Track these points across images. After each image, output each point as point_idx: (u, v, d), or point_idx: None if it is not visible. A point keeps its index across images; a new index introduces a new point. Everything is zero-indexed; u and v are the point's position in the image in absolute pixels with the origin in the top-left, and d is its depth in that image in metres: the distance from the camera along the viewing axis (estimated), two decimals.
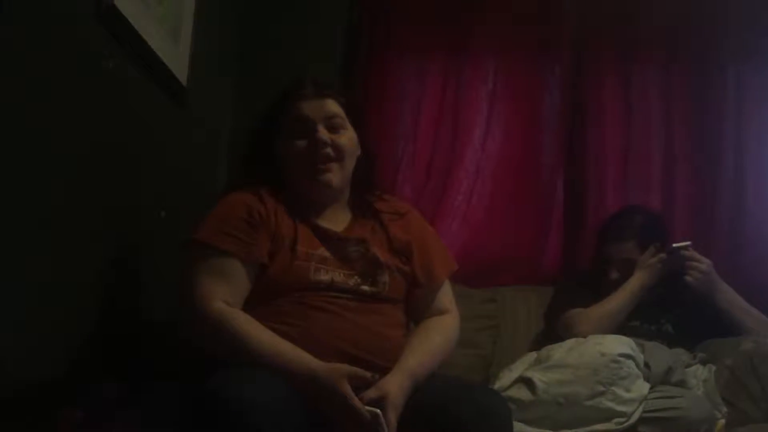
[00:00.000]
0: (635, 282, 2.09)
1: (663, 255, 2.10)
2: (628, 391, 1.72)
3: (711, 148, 2.50)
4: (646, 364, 1.79)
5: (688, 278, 2.07)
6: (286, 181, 1.60)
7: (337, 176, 1.57)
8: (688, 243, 2.09)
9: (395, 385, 1.41)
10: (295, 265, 1.49)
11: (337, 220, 1.62)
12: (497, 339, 2.27)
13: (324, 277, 1.50)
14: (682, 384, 1.83)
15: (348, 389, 1.33)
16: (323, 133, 1.56)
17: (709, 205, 2.47)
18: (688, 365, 1.92)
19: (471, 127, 2.54)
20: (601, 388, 1.72)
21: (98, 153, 1.55)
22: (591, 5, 2.56)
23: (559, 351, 1.87)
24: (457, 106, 2.55)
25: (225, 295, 1.45)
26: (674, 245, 2.09)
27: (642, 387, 1.74)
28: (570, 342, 1.89)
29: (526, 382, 1.81)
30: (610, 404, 1.71)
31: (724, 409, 1.82)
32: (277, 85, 2.46)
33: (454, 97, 2.55)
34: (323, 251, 1.53)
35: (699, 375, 1.90)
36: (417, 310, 1.64)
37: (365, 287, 1.53)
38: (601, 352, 1.77)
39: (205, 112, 2.25)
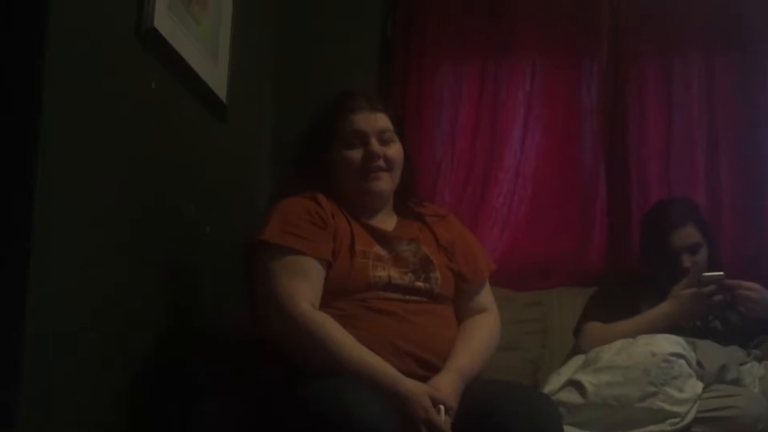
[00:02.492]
0: (661, 311, 1.98)
1: (696, 289, 1.94)
2: (681, 390, 1.69)
3: (755, 141, 2.44)
4: (699, 363, 1.76)
5: (743, 310, 1.98)
6: (336, 186, 1.66)
7: (387, 185, 1.66)
8: (721, 273, 1.95)
9: (448, 387, 1.45)
10: (356, 263, 1.55)
11: (385, 222, 1.68)
12: (545, 342, 2.26)
13: (381, 273, 1.55)
14: (737, 382, 1.79)
15: (430, 405, 1.38)
16: (376, 146, 1.63)
17: (754, 200, 2.41)
18: (743, 363, 1.88)
19: (509, 130, 2.52)
20: (653, 389, 1.69)
21: (144, 170, 1.59)
22: (629, 1, 2.53)
23: (608, 352, 1.85)
24: (494, 109, 2.54)
25: (308, 295, 1.49)
26: (705, 274, 1.96)
27: (695, 386, 1.71)
28: (619, 343, 1.87)
29: (576, 385, 1.79)
30: (663, 405, 1.68)
31: None
32: (315, 94, 2.51)
33: (492, 100, 2.54)
34: (378, 249, 1.60)
35: (755, 372, 1.86)
36: (461, 308, 1.68)
37: (419, 283, 1.58)
38: (651, 352, 1.74)
39: (245, 126, 2.29)
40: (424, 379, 1.46)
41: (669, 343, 1.76)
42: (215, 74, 1.93)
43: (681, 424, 1.66)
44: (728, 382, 1.78)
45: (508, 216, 2.49)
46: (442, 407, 1.39)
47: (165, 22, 1.58)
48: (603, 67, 2.54)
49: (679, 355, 1.73)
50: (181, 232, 1.79)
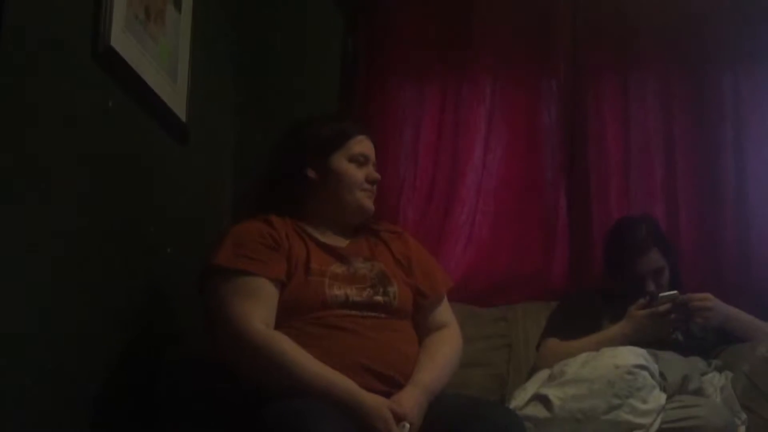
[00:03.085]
0: (617, 331, 2.00)
1: (651, 310, 1.97)
2: (645, 402, 1.70)
3: (711, 154, 2.49)
4: (662, 374, 1.77)
5: (700, 321, 2.01)
6: (315, 200, 1.69)
7: (372, 205, 1.74)
8: (675, 292, 1.99)
9: (411, 402, 1.45)
10: (311, 282, 1.55)
11: (339, 240, 1.70)
12: (510, 357, 2.26)
13: (338, 292, 1.56)
14: (699, 392, 1.81)
15: (391, 419, 1.39)
16: (374, 171, 1.74)
17: (712, 212, 2.46)
18: (704, 373, 1.90)
19: (471, 148, 2.54)
20: (618, 401, 1.70)
21: (101, 192, 1.56)
22: (585, 19, 2.58)
23: (573, 366, 1.85)
24: (456, 128, 2.56)
25: (262, 315, 1.48)
26: (661, 295, 1.99)
27: (659, 398, 1.72)
28: (584, 356, 1.87)
29: (542, 399, 1.79)
30: (628, 417, 1.68)
31: (744, 416, 1.80)
32: (277, 114, 2.52)
33: (453, 118, 2.56)
34: (336, 267, 1.61)
35: (716, 383, 1.88)
36: (421, 324, 1.70)
37: (378, 298, 1.59)
38: (615, 365, 1.75)
39: (207, 146, 2.27)
40: (385, 395, 1.45)
41: (632, 355, 1.78)
42: (174, 94, 1.91)
43: None
44: (690, 393, 1.79)
45: (471, 233, 2.50)
46: (406, 424, 1.38)
47: (122, 40, 1.56)
48: (562, 85, 2.58)
49: (643, 367, 1.74)
50: (140, 252, 1.76)
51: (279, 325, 1.51)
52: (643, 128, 2.53)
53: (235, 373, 1.48)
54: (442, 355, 1.63)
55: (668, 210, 2.47)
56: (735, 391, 1.84)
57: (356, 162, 1.71)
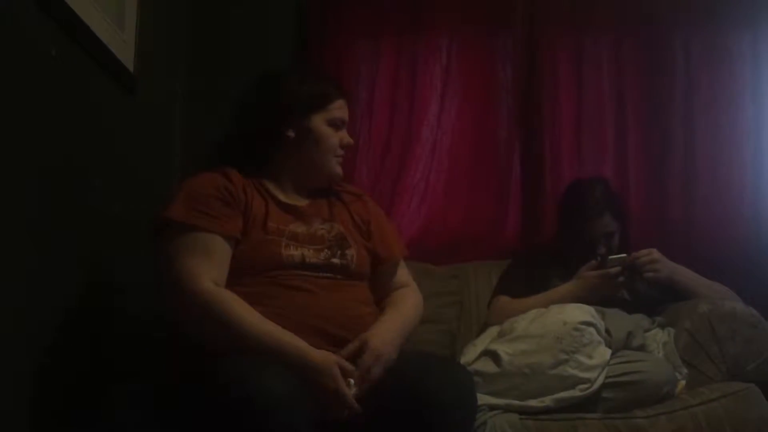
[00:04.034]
0: (567, 290, 2.04)
1: (601, 271, 2.01)
2: (590, 357, 1.74)
3: (661, 114, 2.53)
4: (607, 331, 1.82)
5: (650, 275, 2.05)
6: (282, 159, 1.65)
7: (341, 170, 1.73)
8: (624, 255, 2.03)
9: (377, 337, 1.47)
10: (267, 241, 1.53)
11: (299, 200, 1.68)
12: (461, 314, 2.29)
13: (294, 252, 1.53)
14: (642, 348, 1.86)
15: (339, 375, 1.38)
16: (348, 137, 1.72)
17: (660, 171, 2.50)
18: (648, 330, 1.96)
19: (426, 105, 2.53)
20: (565, 356, 1.74)
21: (44, 144, 1.50)
22: None
23: (522, 322, 1.89)
24: (411, 85, 2.54)
25: (211, 273, 1.45)
26: (611, 257, 2.04)
27: (604, 353, 1.77)
28: (532, 313, 1.91)
29: (491, 354, 1.83)
30: (574, 371, 1.73)
31: (685, 371, 1.86)
32: (228, 68, 2.47)
33: (408, 75, 2.54)
34: (295, 227, 1.58)
35: (659, 339, 1.94)
36: (380, 287, 1.70)
37: (335, 260, 1.58)
38: (563, 321, 1.79)
39: (156, 97, 2.21)
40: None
41: (580, 312, 1.82)
42: (122, 43, 1.85)
43: (590, 390, 1.72)
44: (634, 348, 1.84)
45: (426, 191, 2.50)
46: (351, 380, 1.39)
47: None
48: (518, 44, 2.57)
49: (589, 324, 1.79)
50: (87, 209, 1.71)
51: (231, 283, 1.48)
52: (596, 88, 2.55)
53: (183, 329, 1.46)
54: (408, 306, 1.65)
55: (618, 169, 2.51)
56: (677, 347, 1.90)
57: (334, 126, 1.69)
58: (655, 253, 2.05)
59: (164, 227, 1.51)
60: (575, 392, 1.72)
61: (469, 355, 1.90)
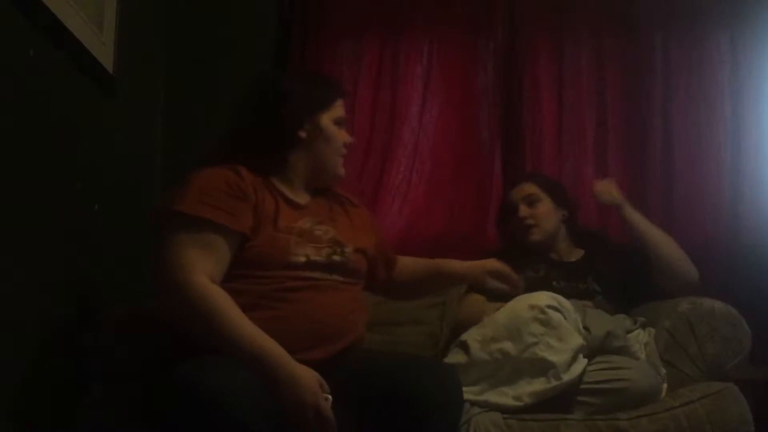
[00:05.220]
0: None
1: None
2: (560, 340, 1.73)
3: (641, 114, 2.55)
4: (586, 328, 1.82)
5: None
6: (292, 158, 1.65)
7: None
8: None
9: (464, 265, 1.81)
10: (278, 238, 1.51)
11: (302, 197, 1.67)
12: (445, 315, 2.29)
13: (300, 251, 1.53)
14: (623, 350, 1.86)
15: (320, 391, 1.36)
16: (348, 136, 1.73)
17: (640, 171, 2.53)
18: (630, 330, 1.96)
19: (408, 106, 2.54)
20: (533, 339, 1.73)
21: (22, 147, 1.48)
22: None
23: (489, 311, 1.89)
24: (393, 86, 2.55)
25: (208, 268, 1.43)
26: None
27: (575, 339, 1.74)
28: (500, 305, 1.90)
29: (461, 345, 1.83)
30: (544, 354, 1.71)
31: (664, 372, 1.87)
32: (210, 68, 2.46)
33: (390, 76, 2.55)
34: (302, 223, 1.58)
35: (641, 339, 1.95)
36: (382, 278, 1.81)
37: (336, 257, 1.57)
38: (529, 305, 1.78)
39: (136, 98, 2.19)
40: (320, 363, 1.44)
41: (546, 297, 1.81)
42: (101, 44, 1.83)
43: (564, 380, 1.69)
44: (614, 350, 1.84)
45: (407, 192, 2.51)
46: (329, 397, 1.36)
47: None
48: (499, 46, 2.58)
49: (555, 308, 1.77)
50: (66, 209, 1.69)
51: (236, 280, 1.47)
52: (576, 89, 2.57)
53: (170, 329, 1.43)
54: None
55: (598, 169, 2.53)
56: (657, 347, 1.92)
57: (338, 125, 1.69)
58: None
59: (173, 218, 1.47)
60: (549, 382, 1.70)
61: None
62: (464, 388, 1.65)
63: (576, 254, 2.21)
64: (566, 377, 1.70)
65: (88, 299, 1.80)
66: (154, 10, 2.37)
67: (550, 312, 1.76)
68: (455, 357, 1.81)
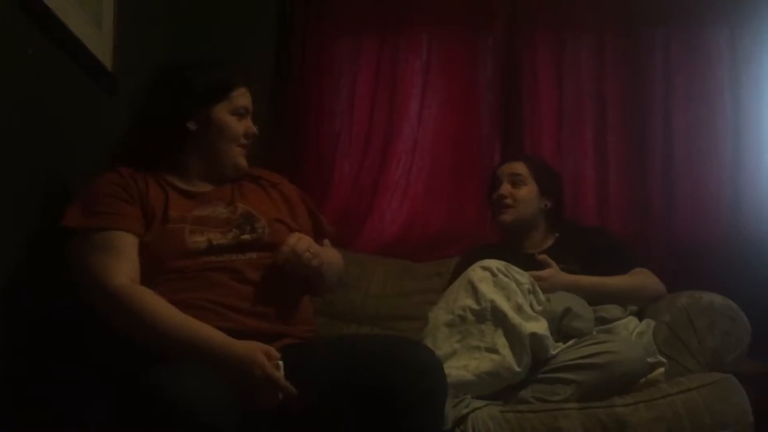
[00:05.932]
0: None
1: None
2: (507, 300, 1.80)
3: (641, 111, 2.55)
4: (548, 299, 1.86)
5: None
6: (185, 152, 1.63)
7: (246, 160, 1.70)
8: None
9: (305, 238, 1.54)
10: (170, 230, 1.50)
11: (201, 186, 1.65)
12: None
13: (200, 238, 1.51)
14: (584, 332, 1.85)
15: (265, 361, 1.33)
16: (253, 126, 1.67)
17: (640, 167, 2.53)
18: (618, 318, 1.97)
19: (407, 102, 2.55)
20: (489, 296, 1.80)
21: (21, 145, 1.49)
22: None
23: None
24: (392, 81, 2.55)
25: (124, 269, 1.43)
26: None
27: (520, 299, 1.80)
28: None
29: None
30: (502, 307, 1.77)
31: (663, 360, 1.87)
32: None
33: (390, 71, 2.55)
34: (198, 211, 1.56)
35: (630, 327, 1.95)
36: None
37: (246, 236, 1.55)
38: (481, 266, 1.86)
39: (135, 96, 2.19)
40: (260, 335, 1.42)
41: (497, 262, 1.87)
42: (100, 42, 1.84)
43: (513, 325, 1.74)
44: (572, 327, 1.83)
45: (407, 187, 2.52)
46: (280, 363, 1.34)
47: None
48: (498, 41, 2.59)
49: (504, 274, 1.83)
50: (62, 207, 1.70)
51: (144, 281, 1.45)
52: (576, 85, 2.57)
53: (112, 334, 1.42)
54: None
55: (598, 166, 2.54)
56: (656, 341, 1.92)
57: (237, 115, 1.65)
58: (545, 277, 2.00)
59: (69, 234, 1.47)
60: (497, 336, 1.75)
61: None
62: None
63: (549, 241, 2.20)
64: (514, 320, 1.75)
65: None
66: (153, 8, 2.37)
67: (500, 275, 1.81)
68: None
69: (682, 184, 2.51)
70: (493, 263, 1.86)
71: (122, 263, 1.43)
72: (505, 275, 1.84)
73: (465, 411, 1.67)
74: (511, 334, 1.75)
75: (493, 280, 1.83)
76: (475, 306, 1.81)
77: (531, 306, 1.83)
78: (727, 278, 2.25)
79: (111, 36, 1.91)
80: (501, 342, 1.75)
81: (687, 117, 2.54)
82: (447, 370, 1.63)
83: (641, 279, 2.07)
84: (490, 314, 1.79)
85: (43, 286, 1.54)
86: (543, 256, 2.04)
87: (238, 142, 1.65)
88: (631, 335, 1.91)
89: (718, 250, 2.41)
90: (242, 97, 1.65)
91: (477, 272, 1.86)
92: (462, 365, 1.74)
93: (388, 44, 2.56)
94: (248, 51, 2.50)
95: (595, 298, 1.99)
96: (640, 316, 2.03)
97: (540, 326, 1.76)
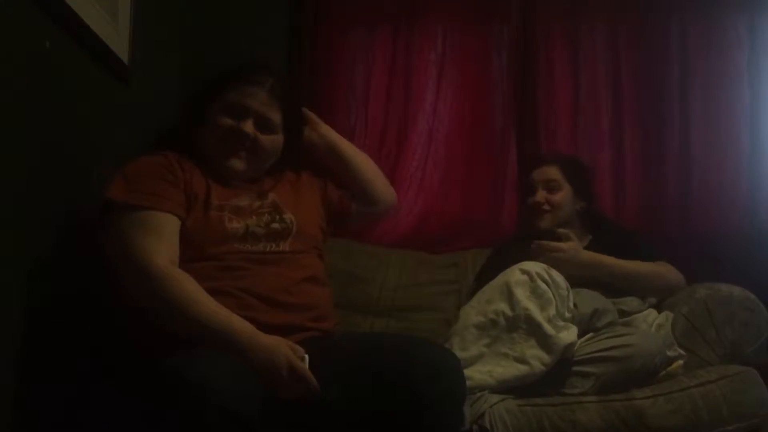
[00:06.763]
0: None
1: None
2: (542, 310, 1.76)
3: (657, 101, 2.53)
4: (575, 305, 1.83)
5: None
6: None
7: (245, 164, 1.65)
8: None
9: None
10: (210, 216, 1.53)
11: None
12: (460, 302, 2.29)
13: (238, 225, 1.54)
14: (612, 326, 1.85)
15: (291, 353, 1.37)
16: (249, 127, 1.62)
17: (656, 158, 2.51)
18: (638, 311, 1.96)
19: (422, 93, 2.53)
20: (524, 302, 1.77)
21: (39, 137, 1.49)
22: None
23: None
24: (407, 73, 2.54)
25: (164, 251, 1.44)
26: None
27: (553, 310, 1.77)
28: None
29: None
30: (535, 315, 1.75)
31: (682, 352, 1.86)
32: (223, 58, 2.45)
33: (404, 62, 2.54)
34: (237, 201, 1.60)
35: (650, 320, 1.94)
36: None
37: (275, 225, 1.59)
38: (521, 270, 1.82)
39: (151, 90, 2.19)
40: (287, 328, 1.46)
41: (538, 266, 1.84)
42: (116, 34, 1.84)
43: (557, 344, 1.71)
44: (604, 327, 1.83)
45: (423, 179, 2.51)
46: (306, 356, 1.38)
47: None
48: (513, 31, 2.56)
49: (543, 279, 1.79)
50: (82, 198, 1.70)
51: (181, 265, 1.47)
52: (592, 75, 2.55)
53: (137, 310, 1.43)
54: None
55: (614, 155, 2.52)
56: (675, 333, 1.91)
57: (231, 115, 1.63)
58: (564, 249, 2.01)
59: (110, 208, 1.49)
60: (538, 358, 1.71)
61: None
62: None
63: (584, 240, 2.19)
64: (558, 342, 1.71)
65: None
66: (170, 2, 2.37)
67: (538, 281, 1.78)
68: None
69: (700, 173, 2.49)
70: (534, 267, 1.82)
71: (164, 245, 1.45)
72: (544, 281, 1.79)
73: (483, 407, 1.67)
74: (546, 344, 1.72)
75: (531, 286, 1.79)
76: (509, 312, 1.78)
77: (563, 314, 1.79)
78: (746, 269, 2.24)
79: (127, 28, 1.90)
80: (531, 353, 1.72)
81: (704, 104, 2.52)
82: (470, 374, 1.66)
83: (661, 268, 2.06)
84: (523, 322, 1.76)
85: (61, 273, 1.55)
86: (563, 231, 2.03)
87: (225, 142, 1.63)
88: (650, 328, 1.91)
89: (736, 240, 2.40)
90: (236, 93, 1.64)
91: (515, 275, 1.82)
92: (487, 370, 1.73)
93: (402, 35, 2.54)
94: (260, 43, 2.49)
95: (615, 281, 1.99)
96: (658, 308, 2.03)
97: (571, 335, 1.74)
